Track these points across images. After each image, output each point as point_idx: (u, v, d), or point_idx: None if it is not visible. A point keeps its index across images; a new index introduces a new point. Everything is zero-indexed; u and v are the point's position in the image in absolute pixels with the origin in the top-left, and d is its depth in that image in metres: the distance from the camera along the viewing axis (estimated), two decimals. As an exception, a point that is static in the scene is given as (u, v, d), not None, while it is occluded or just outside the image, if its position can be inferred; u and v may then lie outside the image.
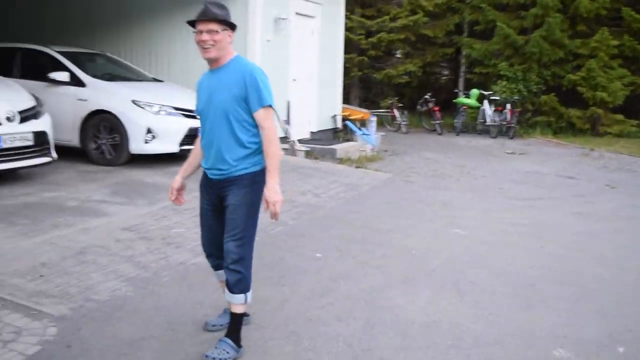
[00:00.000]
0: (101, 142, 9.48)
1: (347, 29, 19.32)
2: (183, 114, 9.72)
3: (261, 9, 11.57)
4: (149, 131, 9.31)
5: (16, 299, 4.59)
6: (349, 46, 20.22)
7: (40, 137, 7.86)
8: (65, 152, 9.30)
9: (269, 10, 11.83)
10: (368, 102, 22.29)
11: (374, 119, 14.78)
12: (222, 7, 3.92)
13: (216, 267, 4.28)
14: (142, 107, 9.41)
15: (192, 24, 3.91)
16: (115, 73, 10.66)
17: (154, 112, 9.47)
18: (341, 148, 12.53)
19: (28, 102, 7.94)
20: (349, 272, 5.81)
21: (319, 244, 6.63)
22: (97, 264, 5.43)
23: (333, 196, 8.95)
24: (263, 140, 3.89)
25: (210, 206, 4.11)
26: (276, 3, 12.02)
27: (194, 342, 4.19)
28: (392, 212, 8.34)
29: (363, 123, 15.13)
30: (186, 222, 6.88)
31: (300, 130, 13.29)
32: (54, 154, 8.17)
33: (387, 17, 20.20)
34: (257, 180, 3.94)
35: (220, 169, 3.94)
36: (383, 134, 16.06)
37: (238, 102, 3.82)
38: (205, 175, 4.09)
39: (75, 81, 9.59)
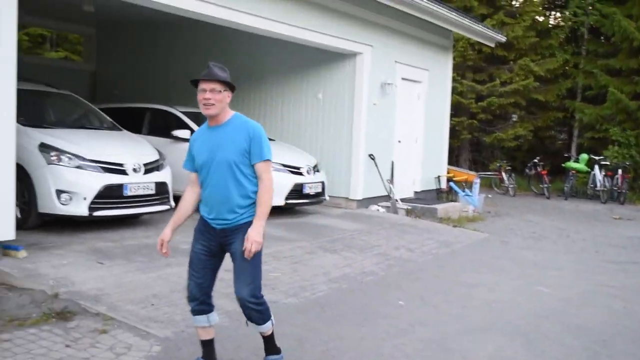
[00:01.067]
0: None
1: (458, 92, 19.90)
2: (290, 170, 10.57)
3: (368, 75, 12.35)
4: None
5: (129, 322, 5.38)
6: (459, 109, 20.75)
7: (161, 187, 8.81)
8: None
9: (376, 75, 12.60)
10: (477, 165, 22.57)
11: (478, 180, 15.13)
12: (224, 69, 4.26)
13: (198, 312, 4.44)
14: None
15: (195, 83, 4.24)
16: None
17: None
18: (442, 208, 12.96)
19: (152, 156, 8.94)
20: (426, 319, 6.27)
21: (403, 293, 7.12)
22: (201, 298, 6.15)
23: (426, 252, 9.42)
24: (260, 189, 4.19)
25: (206, 252, 4.32)
26: (383, 69, 12.78)
27: (275, 365, 4.80)
28: (481, 268, 8.70)
29: (470, 185, 15.51)
30: (283, 268, 7.56)
31: (404, 189, 13.86)
32: (172, 203, 9.11)
33: (497, 82, 20.59)
34: None
35: (226, 219, 4.22)
36: (489, 195, 16.39)
37: (243, 155, 4.14)
38: (205, 223, 4.33)
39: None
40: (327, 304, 6.48)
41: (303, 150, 11.98)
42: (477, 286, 7.67)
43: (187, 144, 9.84)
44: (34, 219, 7.96)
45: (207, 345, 4.57)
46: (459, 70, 20.50)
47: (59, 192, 7.78)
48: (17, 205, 7.02)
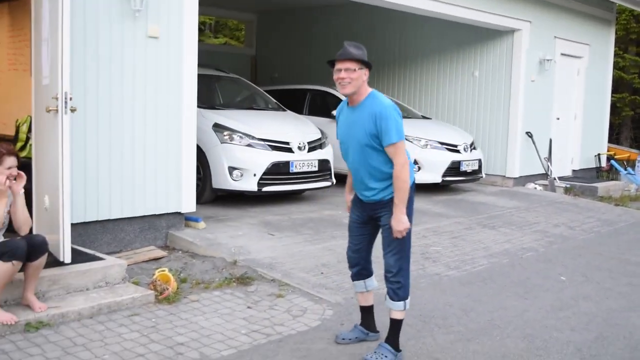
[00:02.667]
0: (373, 171, 10.71)
1: (619, 67, 19.08)
2: (447, 148, 10.69)
3: (526, 51, 12.16)
4: (415, 162, 10.37)
5: (303, 288, 5.78)
6: (621, 85, 19.88)
7: (323, 164, 9.21)
8: (343, 179, 10.66)
9: (535, 52, 12.38)
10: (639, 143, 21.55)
11: (641, 158, 14.53)
12: (360, 47, 4.27)
13: (356, 277, 4.64)
14: (410, 142, 10.50)
15: (332, 63, 4.28)
16: (388, 110, 11.90)
17: (421, 145, 10.53)
18: (603, 186, 12.59)
19: (315, 135, 9.35)
20: (590, 294, 6.25)
21: (565, 269, 7.10)
22: (366, 269, 6.47)
23: (586, 230, 9.26)
24: (393, 173, 4.18)
25: (360, 221, 4.50)
26: (542, 45, 12.53)
27: (442, 329, 5.01)
28: (647, 247, 8.47)
29: (631, 163, 14.92)
30: (443, 242, 7.74)
31: (562, 167, 13.57)
32: (334, 180, 9.49)
33: (664, 55, 19.56)
34: (408, 199, 4.24)
35: (366, 195, 4.35)
36: (653, 174, 15.67)
37: (373, 138, 4.16)
38: (357, 196, 4.50)
39: (354, 117, 10.95)
40: (488, 277, 6.60)
41: (459, 128, 12.02)
42: (643, 264, 7.51)
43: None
44: (208, 194, 8.59)
45: (365, 312, 4.75)
46: (622, 44, 19.63)
47: (231, 169, 8.35)
48: (195, 181, 7.62)
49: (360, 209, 4.49)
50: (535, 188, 12.29)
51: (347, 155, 4.42)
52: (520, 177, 12.42)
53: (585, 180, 13.20)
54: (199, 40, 7.14)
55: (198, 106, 7.72)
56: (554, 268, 7.12)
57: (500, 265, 7.11)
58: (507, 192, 11.62)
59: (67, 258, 5.25)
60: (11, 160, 4.66)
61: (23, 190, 4.81)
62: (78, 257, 5.56)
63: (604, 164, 14.82)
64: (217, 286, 5.76)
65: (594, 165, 14.74)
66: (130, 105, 6.51)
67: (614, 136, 20.63)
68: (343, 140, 4.43)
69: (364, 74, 4.22)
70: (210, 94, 9.75)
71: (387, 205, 4.27)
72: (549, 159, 12.87)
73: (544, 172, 12.77)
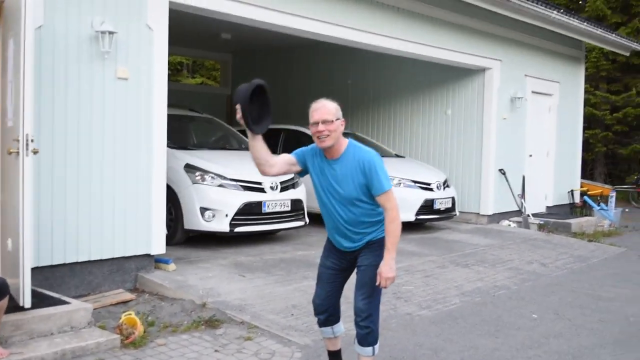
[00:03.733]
0: (347, 210, 10.72)
1: (591, 104, 19.37)
2: (420, 187, 10.74)
3: (497, 89, 12.31)
4: (388, 201, 10.38)
5: (272, 330, 5.72)
6: (593, 122, 20.18)
7: (296, 204, 9.19)
8: (316, 218, 10.66)
9: (506, 90, 12.54)
10: (613, 178, 21.78)
11: (614, 194, 14.67)
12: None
13: (323, 323, 4.54)
14: (383, 180, 10.54)
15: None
16: (361, 149, 11.96)
17: (394, 184, 10.54)
18: (576, 222, 12.69)
19: (288, 175, 9.34)
20: (561, 332, 6.24)
21: (537, 306, 7.10)
22: (337, 309, 6.43)
23: (559, 266, 9.29)
24: (385, 220, 4.09)
25: (336, 269, 4.41)
26: (513, 83, 12.70)
27: (411, 373, 4.98)
28: (619, 283, 8.49)
29: (604, 199, 15.06)
30: (416, 281, 7.72)
31: (536, 204, 13.66)
32: (307, 219, 9.47)
33: (634, 92, 19.85)
34: (383, 243, 4.16)
35: (350, 246, 4.27)
36: (626, 210, 15.83)
37: (363, 190, 4.11)
38: (332, 243, 4.39)
39: (327, 156, 10.99)
40: (460, 316, 6.58)
41: (433, 166, 12.10)
42: (614, 300, 7.53)
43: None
44: (180, 234, 8.54)
45: (333, 356, 4.70)
46: (592, 81, 19.97)
47: (203, 210, 8.31)
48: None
49: (339, 257, 4.39)
50: (510, 225, 12.35)
51: (327, 209, 4.28)
52: (494, 214, 12.48)
53: (559, 217, 13.30)
54: (176, 81, 7.20)
55: (170, 147, 7.73)
56: (526, 306, 7.12)
57: (473, 303, 7.10)
58: (481, 230, 11.66)
59: (27, 302, 5.14)
60: None
61: None
62: (43, 301, 5.48)
63: (577, 200, 14.94)
64: (185, 329, 5.68)
65: (567, 202, 14.86)
66: (100, 147, 6.48)
67: (588, 172, 20.87)
68: (324, 194, 4.26)
69: (340, 124, 4.15)
70: (182, 135, 9.75)
71: (367, 246, 4.23)
72: (523, 195, 12.97)
73: (518, 209, 12.84)
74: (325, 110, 4.12)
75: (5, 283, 4.71)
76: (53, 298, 5.64)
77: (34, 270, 5.94)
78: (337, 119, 4.12)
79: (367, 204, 4.16)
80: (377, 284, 4.11)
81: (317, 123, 4.09)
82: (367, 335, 4.27)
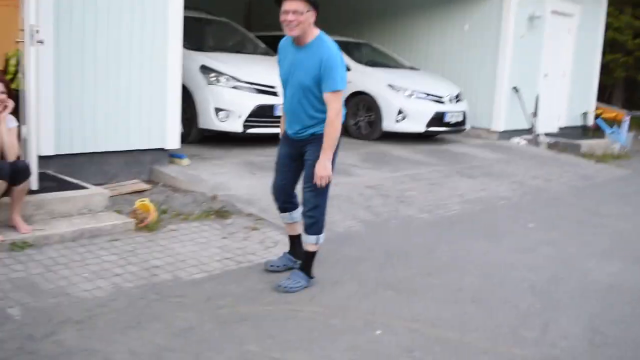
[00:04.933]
0: (359, 119, 10.96)
1: (614, 28, 19.13)
2: (432, 99, 10.89)
3: (516, 7, 12.25)
4: (400, 112, 10.60)
5: (277, 222, 5.97)
6: (615, 46, 19.96)
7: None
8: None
9: (524, 8, 12.47)
10: (632, 105, 21.69)
11: (628, 119, 14.70)
12: None
13: (282, 209, 4.85)
14: (396, 91, 10.72)
15: (278, 3, 4.27)
16: (377, 60, 12.09)
17: (406, 95, 10.72)
18: (587, 144, 12.81)
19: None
20: (554, 240, 6.53)
21: (534, 217, 7.38)
22: (341, 209, 6.74)
23: (563, 183, 9.53)
24: (326, 119, 4.29)
25: (288, 156, 4.66)
26: (532, 2, 12.61)
27: (404, 265, 5.31)
28: (618, 202, 8.72)
29: (619, 123, 15.10)
30: (420, 188, 8.00)
31: (548, 124, 13.76)
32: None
33: (659, 17, 19.60)
34: None
35: (297, 131, 4.49)
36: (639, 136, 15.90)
37: (315, 82, 4.26)
38: (286, 131, 4.66)
39: (342, 65, 11.14)
40: (458, 221, 6.88)
41: (446, 80, 12.19)
42: (612, 216, 7.76)
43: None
44: (195, 134, 8.82)
45: (293, 240, 4.98)
46: (617, 4, 19.61)
47: (217, 110, 8.55)
48: (181, 121, 7.80)
49: (289, 145, 4.63)
50: (519, 142, 12.52)
51: (285, 93, 4.53)
52: (506, 131, 12.63)
53: (570, 137, 13.40)
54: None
55: (186, 48, 7.89)
56: (524, 216, 7.40)
57: (472, 211, 7.39)
58: (491, 145, 11.85)
59: (35, 185, 5.47)
60: None
61: (11, 118, 5.03)
62: (63, 185, 5.84)
63: (590, 122, 15.01)
64: (195, 218, 6.03)
65: (580, 124, 14.94)
66: (116, 41, 6.66)
67: (606, 96, 20.79)
68: (285, 78, 4.50)
69: (311, 15, 4.26)
70: (199, 37, 9.89)
71: (313, 141, 4.43)
72: (535, 114, 13.07)
73: (530, 127, 12.98)
74: (297, 2, 4.20)
75: (27, 166, 5.04)
76: (72, 183, 5.98)
77: (54, 157, 6.32)
78: (308, 11, 4.23)
79: (315, 100, 4.33)
80: (311, 159, 4.38)
81: (287, 12, 4.22)
82: (313, 224, 4.55)
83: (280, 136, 4.80)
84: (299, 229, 4.85)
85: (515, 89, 12.59)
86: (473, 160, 10.17)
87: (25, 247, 4.87)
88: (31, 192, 5.33)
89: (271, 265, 4.93)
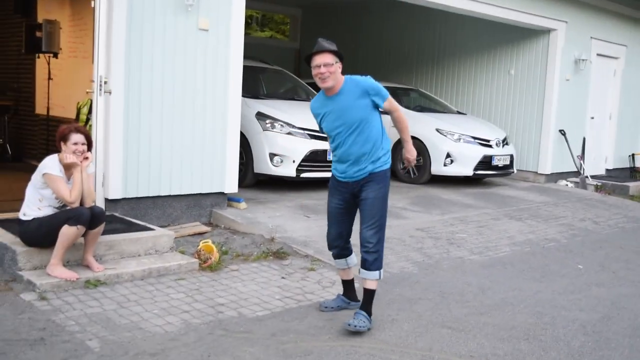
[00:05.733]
0: (408, 163, 11.20)
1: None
2: (480, 143, 11.10)
3: (561, 51, 12.47)
4: (448, 156, 10.83)
5: (333, 263, 6.24)
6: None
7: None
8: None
9: (570, 51, 12.68)
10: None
11: (676, 160, 14.71)
12: (331, 43, 4.69)
13: (337, 256, 5.03)
14: (444, 135, 10.97)
15: (308, 59, 4.69)
16: (425, 105, 12.40)
17: (454, 139, 10.96)
18: (635, 185, 12.85)
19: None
20: (604, 281, 6.63)
21: (584, 259, 7.48)
22: (394, 250, 6.96)
23: (611, 225, 9.59)
24: (395, 120, 4.78)
25: (341, 206, 4.85)
26: (577, 45, 12.81)
27: (458, 304, 5.49)
28: (668, 243, 8.77)
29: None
30: (470, 230, 8.18)
31: (595, 166, 13.85)
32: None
33: None
34: (387, 175, 4.77)
35: (356, 174, 4.70)
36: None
37: (368, 108, 4.64)
38: (338, 180, 4.83)
39: (391, 111, 11.46)
40: (509, 263, 7.03)
41: (493, 124, 12.41)
42: (661, 258, 7.84)
43: (382, 117, 10.58)
44: (250, 178, 9.17)
45: (347, 284, 5.20)
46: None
47: (272, 155, 8.90)
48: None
49: (343, 190, 4.81)
50: (567, 185, 12.61)
51: (337, 140, 4.72)
52: (552, 174, 12.75)
53: (617, 180, 13.45)
54: (246, 34, 7.67)
55: (243, 95, 8.26)
56: (573, 258, 7.51)
57: (522, 252, 7.53)
58: (538, 188, 11.97)
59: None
60: (77, 137, 5.24)
61: (90, 167, 5.39)
62: (131, 227, 6.19)
63: (638, 164, 15.01)
64: (255, 259, 6.32)
65: (628, 165, 14.96)
66: (181, 93, 7.09)
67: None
68: (333, 126, 4.71)
69: (339, 67, 4.64)
70: (254, 84, 10.32)
71: (372, 178, 4.68)
72: (582, 157, 13.17)
73: (577, 170, 13.06)
74: (326, 55, 4.61)
75: (103, 211, 5.41)
76: (139, 225, 6.33)
77: (122, 200, 6.71)
78: (337, 62, 4.63)
79: (370, 128, 4.65)
80: (373, 196, 4.67)
81: (319, 66, 4.59)
82: (375, 260, 4.71)
83: (330, 184, 4.96)
84: (352, 273, 5.14)
85: (562, 132, 12.72)
86: (521, 203, 10.30)
87: (99, 285, 5.20)
88: (111, 232, 5.69)
89: (325, 307, 5.10)
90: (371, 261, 4.71)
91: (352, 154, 4.68)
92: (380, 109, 4.72)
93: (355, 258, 5.09)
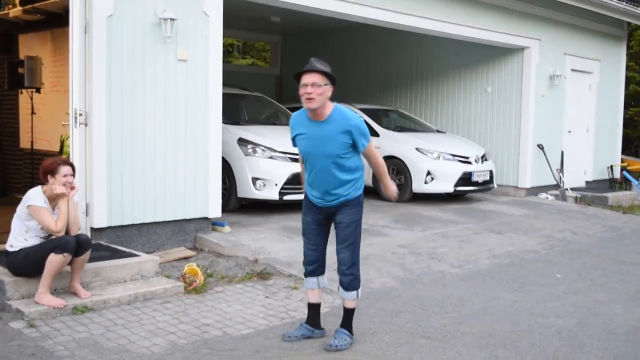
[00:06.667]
0: (389, 182, 11.39)
1: (637, 82, 19.51)
2: (459, 160, 11.32)
3: (536, 68, 12.76)
4: (428, 173, 11.04)
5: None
6: (638, 99, 20.30)
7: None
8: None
9: (544, 68, 12.97)
10: (660, 156, 21.89)
11: (654, 169, 14.99)
12: (324, 64, 4.58)
13: (310, 273, 4.97)
14: (424, 154, 11.19)
15: (298, 77, 4.54)
16: (404, 125, 12.64)
17: (434, 157, 11.18)
18: (613, 196, 13.09)
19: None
20: (581, 289, 6.81)
21: (562, 268, 7.66)
22: (375, 267, 7.12)
23: (590, 235, 9.80)
24: (370, 160, 4.75)
25: (316, 223, 4.85)
26: (551, 61, 13.12)
27: (438, 315, 5.64)
28: (646, 250, 8.98)
29: (646, 175, 15.38)
30: (450, 245, 8.35)
31: (575, 178, 14.10)
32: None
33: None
34: (361, 200, 4.78)
35: (328, 201, 4.72)
36: (667, 186, 16.09)
37: (347, 148, 4.57)
38: (311, 201, 4.84)
39: (371, 132, 11.59)
40: (488, 275, 7.20)
41: (472, 141, 12.65)
42: (638, 265, 8.01)
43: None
44: (234, 202, 9.33)
45: (313, 309, 5.04)
46: (638, 59, 20.06)
47: (255, 180, 9.07)
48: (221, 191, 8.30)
49: (316, 212, 4.82)
50: (547, 198, 12.83)
51: (312, 166, 4.70)
52: (533, 187, 12.97)
53: (597, 191, 13.70)
54: (228, 61, 7.90)
55: (224, 122, 8.46)
56: (552, 268, 7.69)
57: (501, 264, 7.71)
58: (519, 202, 12.18)
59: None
60: (66, 169, 5.40)
61: (75, 196, 5.53)
62: (116, 254, 6.33)
63: (617, 175, 15.28)
64: (239, 280, 6.46)
65: (607, 177, 15.22)
66: (163, 122, 7.26)
67: (633, 149, 21.03)
68: (309, 152, 4.67)
69: (328, 89, 4.52)
70: (236, 111, 10.51)
71: (344, 206, 4.71)
72: (561, 170, 13.41)
73: (556, 183, 13.29)
74: (316, 75, 4.49)
75: (89, 239, 5.55)
76: (125, 252, 6.47)
77: (107, 229, 6.85)
78: (326, 84, 4.51)
79: (346, 161, 4.61)
80: (346, 220, 4.72)
81: (306, 85, 4.46)
82: (352, 281, 4.79)
83: (303, 203, 4.95)
84: (321, 296, 5.06)
85: (540, 146, 12.97)
86: (501, 217, 10.50)
87: (86, 311, 5.33)
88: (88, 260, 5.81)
89: (289, 337, 4.94)
90: (347, 282, 4.79)
91: (324, 183, 4.68)
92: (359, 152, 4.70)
93: (326, 280, 5.06)
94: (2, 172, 10.44)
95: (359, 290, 4.88)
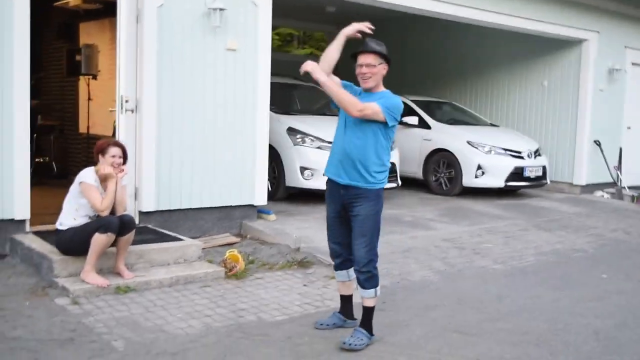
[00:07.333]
0: (440, 175, 11.36)
1: None
2: (511, 155, 11.20)
3: (594, 61, 12.50)
4: (479, 167, 10.95)
5: (355, 272, 6.50)
6: None
7: (391, 167, 9.80)
8: (410, 183, 11.41)
9: (603, 61, 12.69)
10: None
11: None
12: (380, 44, 4.60)
13: (339, 267, 4.91)
14: (475, 147, 11.10)
15: (355, 57, 4.60)
16: (457, 118, 12.54)
17: (485, 151, 11.08)
18: (674, 195, 12.76)
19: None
20: (626, 290, 6.69)
21: (609, 268, 7.53)
22: (416, 259, 7.14)
23: (644, 235, 9.60)
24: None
25: (336, 215, 4.78)
26: (611, 55, 12.82)
27: (474, 310, 5.64)
28: (699, 252, 8.74)
29: None
30: (496, 240, 8.29)
31: (634, 176, 13.72)
32: (399, 181, 10.17)
33: None
34: (380, 195, 4.64)
35: (346, 177, 4.60)
36: None
37: (378, 126, 4.51)
38: (329, 184, 4.79)
39: (423, 124, 11.67)
40: (531, 272, 7.13)
41: (525, 135, 12.47)
42: (690, 267, 7.83)
43: (415, 130, 10.62)
44: (282, 191, 9.45)
45: (345, 300, 5.06)
46: None
47: (303, 169, 9.17)
48: (269, 180, 8.43)
49: (335, 200, 4.75)
50: (603, 196, 12.58)
51: (339, 134, 4.68)
52: (588, 185, 12.72)
53: (656, 190, 13.36)
54: (286, 51, 7.98)
55: (274, 111, 8.57)
56: (598, 267, 7.56)
57: (546, 262, 7.62)
58: (572, 199, 11.98)
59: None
60: (114, 150, 5.60)
61: (124, 179, 5.71)
62: (162, 237, 6.52)
63: (679, 174, 14.83)
64: (280, 267, 6.57)
65: (668, 176, 14.80)
66: (212, 110, 7.41)
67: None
68: (347, 122, 4.62)
69: (383, 68, 4.61)
70: (287, 101, 10.63)
71: (362, 195, 4.57)
72: (619, 167, 13.12)
73: (613, 180, 13.01)
74: (370, 56, 4.57)
75: (132, 219, 5.73)
76: (170, 236, 6.65)
77: (155, 213, 7.04)
78: (381, 64, 4.59)
79: (376, 134, 4.51)
80: (365, 213, 4.56)
81: (361, 65, 4.58)
82: (369, 279, 4.67)
83: (326, 191, 4.89)
84: (352, 287, 5.00)
85: (597, 143, 12.71)
86: (552, 214, 10.35)
87: (128, 291, 5.51)
88: (134, 243, 6.00)
89: (321, 324, 4.99)
90: (363, 280, 4.68)
91: (346, 151, 4.59)
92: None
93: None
94: (63, 155, 10.79)
95: (378, 288, 4.76)
